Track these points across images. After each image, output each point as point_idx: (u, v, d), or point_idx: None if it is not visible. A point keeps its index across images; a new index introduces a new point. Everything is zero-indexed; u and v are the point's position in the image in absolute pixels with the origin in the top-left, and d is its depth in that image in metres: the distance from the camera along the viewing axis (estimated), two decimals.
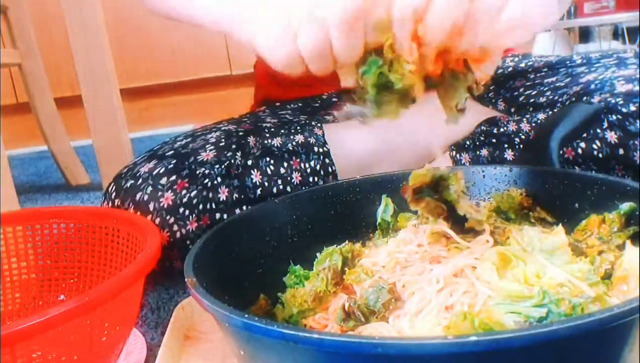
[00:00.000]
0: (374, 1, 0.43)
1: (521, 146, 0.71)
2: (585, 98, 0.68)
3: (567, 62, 0.82)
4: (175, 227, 0.66)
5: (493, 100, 0.83)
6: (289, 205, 0.56)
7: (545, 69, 0.82)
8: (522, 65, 0.87)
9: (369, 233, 0.58)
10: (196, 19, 0.63)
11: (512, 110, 0.78)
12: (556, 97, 0.72)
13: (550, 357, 0.30)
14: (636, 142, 0.63)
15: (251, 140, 0.73)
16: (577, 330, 0.28)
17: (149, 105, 2.45)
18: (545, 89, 0.76)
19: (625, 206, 0.46)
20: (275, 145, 0.73)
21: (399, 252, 0.48)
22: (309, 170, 0.72)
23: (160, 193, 0.67)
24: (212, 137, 0.73)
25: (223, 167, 0.69)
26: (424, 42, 0.43)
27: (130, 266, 0.46)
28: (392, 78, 0.44)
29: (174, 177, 0.68)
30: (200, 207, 0.67)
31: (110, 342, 0.47)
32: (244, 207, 0.68)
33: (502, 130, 0.74)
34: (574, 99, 0.70)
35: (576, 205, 0.51)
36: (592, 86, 0.69)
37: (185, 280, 0.39)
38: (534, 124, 0.71)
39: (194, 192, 0.67)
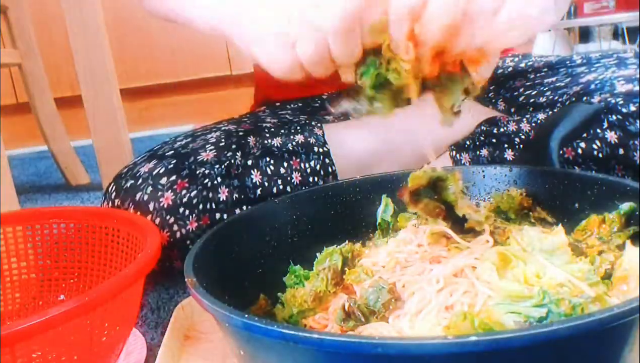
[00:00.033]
0: (370, 3, 0.43)
1: (521, 146, 0.71)
2: (585, 98, 0.68)
3: (567, 62, 0.82)
4: (175, 227, 0.66)
5: (493, 100, 0.83)
6: (289, 205, 0.56)
7: (545, 69, 0.82)
8: (522, 65, 0.87)
9: (369, 233, 0.58)
10: (195, 23, 0.63)
11: (512, 110, 0.78)
12: (556, 97, 0.72)
13: (550, 357, 0.30)
14: (636, 142, 0.63)
15: (251, 140, 0.73)
16: (577, 330, 0.28)
17: (149, 105, 2.45)
18: (545, 89, 0.76)
19: (625, 206, 0.46)
20: (275, 145, 0.73)
21: (399, 252, 0.48)
22: (309, 170, 0.72)
23: (160, 193, 0.67)
24: (212, 137, 0.73)
25: (223, 167, 0.69)
26: (420, 42, 0.43)
27: (130, 266, 0.46)
28: (390, 77, 0.45)
29: (174, 177, 0.68)
30: (200, 207, 0.67)
31: (110, 342, 0.47)
32: (244, 207, 0.68)
33: (502, 130, 0.74)
34: (574, 99, 0.70)
35: (576, 205, 0.51)
36: (592, 86, 0.69)
37: (185, 280, 0.39)
38: (534, 124, 0.71)
39: (194, 192, 0.67)
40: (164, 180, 0.67)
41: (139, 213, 0.67)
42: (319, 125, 0.79)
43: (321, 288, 0.47)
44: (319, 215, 0.57)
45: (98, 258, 0.60)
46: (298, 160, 0.72)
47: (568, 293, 0.39)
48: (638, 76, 0.67)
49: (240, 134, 0.74)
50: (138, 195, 0.67)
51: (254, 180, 0.69)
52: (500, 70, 0.88)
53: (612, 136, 0.64)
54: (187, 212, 0.67)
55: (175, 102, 2.46)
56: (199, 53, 2.28)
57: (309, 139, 0.75)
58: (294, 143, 0.74)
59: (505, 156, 0.72)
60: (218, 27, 0.56)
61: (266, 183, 0.70)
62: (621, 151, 0.64)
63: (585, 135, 0.65)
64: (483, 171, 0.58)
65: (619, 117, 0.64)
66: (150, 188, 0.67)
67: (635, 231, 0.46)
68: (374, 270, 0.48)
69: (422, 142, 0.73)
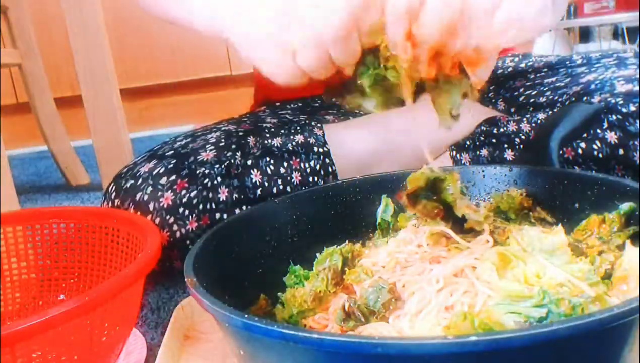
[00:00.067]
0: (367, 6, 0.43)
1: (521, 146, 0.71)
2: (585, 98, 0.68)
3: (567, 62, 0.82)
4: (175, 227, 0.66)
5: (493, 100, 0.83)
6: (289, 205, 0.56)
7: (545, 69, 0.82)
8: (522, 65, 0.87)
9: (369, 233, 0.58)
10: (194, 24, 0.63)
11: (512, 110, 0.78)
12: (556, 97, 0.72)
13: (550, 357, 0.30)
14: (636, 142, 0.63)
15: (251, 140, 0.73)
16: (577, 330, 0.28)
17: (149, 105, 2.45)
18: (545, 89, 0.76)
19: (625, 206, 0.46)
20: (275, 145, 0.73)
21: (399, 252, 0.48)
22: (309, 170, 0.72)
23: (160, 193, 0.67)
24: (212, 137, 0.73)
25: (223, 167, 0.69)
26: (418, 42, 0.43)
27: (130, 266, 0.46)
28: (389, 76, 0.45)
29: (173, 177, 0.68)
30: (200, 207, 0.67)
31: (110, 342, 0.47)
32: (244, 207, 0.68)
33: (502, 130, 0.74)
34: (574, 99, 0.70)
35: (576, 205, 0.51)
36: (592, 86, 0.69)
37: (185, 280, 0.39)
38: (534, 124, 0.71)
39: (194, 192, 0.67)
40: (164, 180, 0.67)
41: (139, 213, 0.67)
42: (319, 125, 0.79)
43: (321, 288, 0.47)
44: (319, 215, 0.57)
45: (98, 258, 0.60)
46: (298, 160, 0.72)
47: (568, 293, 0.39)
48: (638, 76, 0.67)
49: (240, 134, 0.74)
50: (138, 195, 0.67)
51: (254, 180, 0.69)
52: (500, 70, 0.88)
53: (612, 136, 0.64)
54: (187, 212, 0.67)
55: (175, 102, 2.46)
56: (199, 53, 2.28)
57: (309, 139, 0.75)
58: (294, 143, 0.74)
59: (505, 156, 0.72)
60: (218, 31, 0.56)
61: (266, 184, 0.70)
62: (621, 151, 0.64)
63: (585, 135, 0.65)
64: (483, 171, 0.58)
65: (619, 117, 0.64)
66: (150, 189, 0.67)
67: (635, 231, 0.46)
68: (374, 270, 0.48)
69: (420, 142, 0.73)
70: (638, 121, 0.63)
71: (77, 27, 1.14)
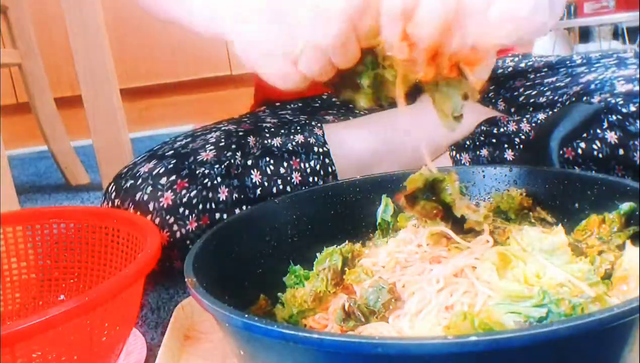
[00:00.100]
0: (363, 11, 0.44)
1: (521, 146, 0.71)
2: (585, 98, 0.68)
3: (567, 62, 0.82)
4: (175, 227, 0.66)
5: (493, 100, 0.83)
6: (289, 205, 0.56)
7: (545, 69, 0.82)
8: (522, 65, 0.87)
9: (369, 233, 0.58)
10: (193, 26, 0.63)
11: (512, 110, 0.78)
12: (556, 97, 0.72)
13: (550, 357, 0.30)
14: (636, 142, 0.63)
15: (251, 140, 0.73)
16: (577, 330, 0.28)
17: (149, 105, 2.45)
18: (545, 89, 0.76)
19: (625, 206, 0.46)
20: (275, 145, 0.73)
21: (399, 252, 0.48)
22: (309, 170, 0.72)
23: (160, 193, 0.67)
24: (212, 137, 0.73)
25: (223, 167, 0.69)
26: (414, 42, 0.43)
27: (130, 266, 0.46)
28: (388, 75, 0.46)
29: (173, 177, 0.68)
30: (200, 207, 0.67)
31: (110, 342, 0.47)
32: (244, 207, 0.68)
33: (502, 130, 0.74)
34: (574, 99, 0.70)
35: (576, 205, 0.51)
36: (592, 86, 0.69)
37: (185, 280, 0.39)
38: (534, 124, 0.71)
39: (194, 192, 0.67)
40: (163, 180, 0.67)
41: (139, 213, 0.66)
42: (319, 125, 0.79)
43: (321, 288, 0.47)
44: (319, 215, 0.57)
45: (98, 258, 0.60)
46: (298, 160, 0.72)
47: (568, 293, 0.39)
48: (638, 76, 0.67)
49: (240, 134, 0.74)
50: (138, 195, 0.67)
51: (253, 180, 0.69)
52: (500, 70, 0.88)
53: (612, 136, 0.64)
54: (187, 212, 0.67)
55: (175, 102, 2.46)
56: (199, 53, 2.28)
57: (309, 139, 0.75)
58: (294, 143, 0.74)
59: (505, 156, 0.72)
60: (218, 32, 0.56)
61: (266, 183, 0.70)
62: (621, 151, 0.64)
63: (585, 135, 0.65)
64: (483, 171, 0.58)
65: (619, 117, 0.64)
66: (150, 188, 0.67)
67: (635, 231, 0.45)
68: (374, 270, 0.48)
69: (418, 143, 0.74)
70: (638, 121, 0.63)
71: (77, 27, 1.14)
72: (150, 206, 0.66)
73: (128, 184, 0.69)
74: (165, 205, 0.66)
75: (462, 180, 0.56)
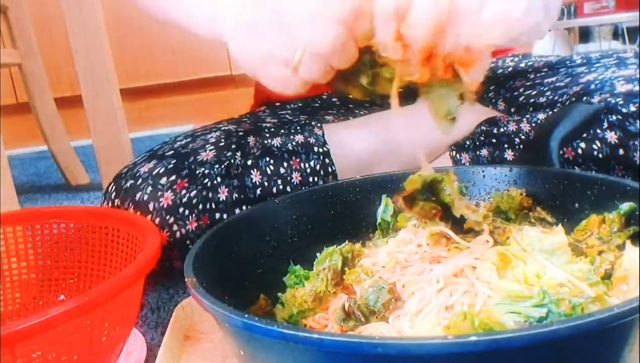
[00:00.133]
0: (358, 15, 0.44)
1: (521, 146, 0.71)
2: (585, 98, 0.68)
3: (567, 62, 0.82)
4: (175, 227, 0.66)
5: (493, 100, 0.83)
6: (289, 205, 0.56)
7: (545, 69, 0.82)
8: (522, 65, 0.87)
9: (369, 233, 0.58)
10: (193, 27, 0.63)
11: (512, 110, 0.78)
12: (556, 97, 0.72)
13: (550, 357, 0.30)
14: (636, 142, 0.63)
15: (251, 140, 0.73)
16: (577, 330, 0.28)
17: (149, 105, 2.45)
18: (545, 89, 0.76)
19: (625, 206, 0.46)
20: (275, 145, 0.73)
21: (399, 252, 0.48)
22: (309, 170, 0.72)
23: (160, 193, 0.67)
24: (212, 137, 0.73)
25: (223, 167, 0.69)
26: (408, 42, 0.43)
27: (130, 266, 0.46)
28: (385, 73, 0.47)
29: (173, 177, 0.68)
30: (200, 207, 0.67)
31: (110, 342, 0.47)
32: (244, 207, 0.68)
33: (502, 130, 0.74)
34: (574, 99, 0.70)
35: (576, 205, 0.51)
36: (592, 86, 0.69)
37: (185, 280, 0.39)
38: (534, 124, 0.71)
39: (194, 192, 0.67)
40: (163, 180, 0.67)
41: (139, 213, 0.66)
42: (319, 125, 0.79)
43: (321, 288, 0.47)
44: (319, 215, 0.57)
45: (98, 258, 0.60)
46: (298, 160, 0.72)
47: (568, 293, 0.39)
48: (638, 76, 0.67)
49: (240, 134, 0.74)
50: (138, 195, 0.67)
51: (253, 180, 0.69)
52: (500, 70, 0.88)
53: (612, 136, 0.64)
54: (187, 212, 0.67)
55: (175, 102, 2.46)
56: (199, 53, 2.28)
57: (309, 139, 0.75)
58: (294, 143, 0.74)
59: (505, 156, 0.72)
60: (217, 35, 0.56)
61: (266, 184, 0.70)
62: (621, 151, 0.64)
63: (585, 135, 0.65)
64: (483, 171, 0.58)
65: (619, 117, 0.64)
66: (150, 188, 0.67)
67: (635, 231, 0.46)
68: (374, 270, 0.48)
69: (418, 143, 0.74)
70: (638, 121, 0.63)
71: (77, 27, 1.14)
72: (150, 206, 0.66)
73: (128, 184, 0.69)
74: (165, 205, 0.66)
75: (462, 180, 0.56)
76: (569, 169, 0.66)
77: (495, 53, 0.93)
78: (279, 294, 0.50)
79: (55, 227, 0.62)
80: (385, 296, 0.42)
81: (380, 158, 0.76)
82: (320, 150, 0.74)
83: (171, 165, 0.69)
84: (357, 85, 0.49)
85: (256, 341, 0.34)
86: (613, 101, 0.65)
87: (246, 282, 0.50)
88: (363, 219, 0.58)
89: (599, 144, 0.65)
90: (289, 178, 0.71)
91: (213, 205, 0.67)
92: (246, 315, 0.33)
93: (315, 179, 0.73)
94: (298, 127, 0.77)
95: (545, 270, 0.40)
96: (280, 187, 0.70)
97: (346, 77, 0.49)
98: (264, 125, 0.78)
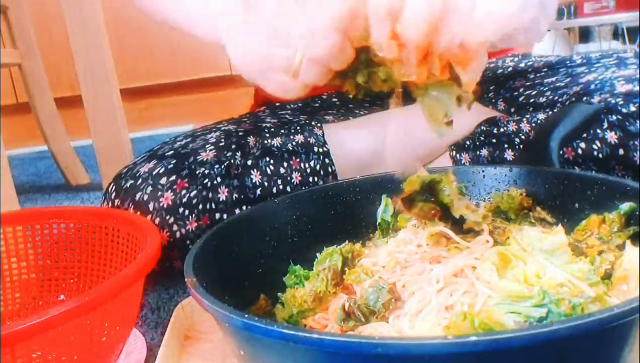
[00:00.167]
0: (353, 18, 0.45)
1: (521, 146, 0.71)
2: (585, 98, 0.68)
3: (567, 62, 0.82)
4: (175, 227, 0.66)
5: (493, 100, 0.83)
6: (289, 205, 0.56)
7: (545, 69, 0.82)
8: (522, 65, 0.87)
9: (369, 233, 0.58)
10: (192, 29, 0.64)
11: (512, 110, 0.78)
12: (556, 97, 0.72)
13: (550, 357, 0.30)
14: (636, 143, 0.63)
15: (251, 140, 0.73)
16: (577, 330, 0.28)
17: (149, 105, 2.45)
18: (545, 89, 0.76)
19: (625, 206, 0.46)
20: (275, 145, 0.73)
21: (399, 252, 0.48)
22: (309, 170, 0.72)
23: (160, 193, 0.67)
24: (212, 137, 0.73)
25: (223, 167, 0.69)
26: (403, 41, 0.43)
27: (130, 266, 0.46)
28: (381, 73, 0.47)
29: (173, 177, 0.68)
30: (200, 207, 0.67)
31: (110, 342, 0.47)
32: (244, 207, 0.68)
33: (502, 130, 0.74)
34: (574, 99, 0.70)
35: (576, 205, 0.51)
36: (592, 86, 0.69)
37: (185, 280, 0.39)
38: (534, 124, 0.71)
39: (194, 192, 0.67)
40: (163, 180, 0.67)
41: (139, 213, 0.66)
42: (319, 125, 0.79)
43: (321, 288, 0.47)
44: (319, 215, 0.57)
45: (98, 258, 0.60)
46: (298, 160, 0.72)
47: (568, 293, 0.39)
48: (638, 76, 0.67)
49: (240, 134, 0.74)
50: (138, 195, 0.67)
51: (253, 180, 0.69)
52: (500, 70, 0.88)
53: (612, 136, 0.64)
54: (187, 212, 0.67)
55: (175, 102, 2.46)
56: (199, 53, 2.28)
57: (309, 139, 0.75)
58: (293, 143, 0.74)
59: (505, 156, 0.72)
60: (217, 37, 0.57)
61: (266, 184, 0.70)
62: (621, 151, 0.64)
63: (585, 135, 0.65)
64: (483, 171, 0.58)
65: (619, 117, 0.64)
66: (150, 188, 0.67)
67: (635, 231, 0.46)
68: (374, 270, 0.48)
69: (426, 139, 0.74)
70: (638, 121, 0.63)
71: (77, 27, 1.14)
72: (150, 206, 0.66)
73: (128, 184, 0.69)
74: (165, 205, 0.66)
75: (462, 180, 0.56)
76: (569, 169, 0.66)
77: (496, 53, 0.93)
78: (279, 294, 0.50)
79: (55, 227, 0.62)
80: (385, 296, 0.42)
81: (380, 158, 0.76)
82: (320, 150, 0.74)
83: (171, 165, 0.69)
84: (353, 82, 0.50)
85: (256, 341, 0.34)
86: (613, 101, 0.65)
87: (246, 282, 0.50)
88: (363, 219, 0.58)
89: (599, 144, 0.65)
90: (289, 178, 0.71)
91: (213, 205, 0.67)
92: (246, 315, 0.33)
93: (315, 179, 0.73)
94: (298, 127, 0.77)
95: (545, 270, 0.40)
96: (280, 187, 0.70)
97: (343, 75, 0.49)
98: (264, 125, 0.78)
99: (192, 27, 0.63)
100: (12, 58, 1.38)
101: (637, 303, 0.29)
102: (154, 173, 0.68)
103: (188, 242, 0.67)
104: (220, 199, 0.67)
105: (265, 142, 0.73)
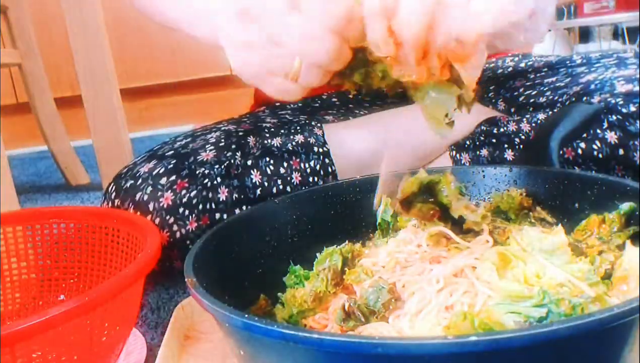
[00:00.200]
0: (349, 20, 0.45)
1: (521, 146, 0.71)
2: (585, 98, 0.68)
3: (567, 62, 0.82)
4: (175, 227, 0.66)
5: (493, 100, 0.83)
6: (289, 205, 0.56)
7: (545, 69, 0.82)
8: (522, 65, 0.87)
9: (369, 233, 0.58)
10: (192, 30, 0.64)
11: (512, 110, 0.78)
12: (556, 97, 0.72)
13: (550, 357, 0.30)
14: (636, 142, 0.63)
15: (251, 140, 0.73)
16: (577, 330, 0.28)
17: (149, 105, 2.45)
18: (545, 89, 0.76)
19: (625, 206, 0.46)
20: (275, 145, 0.73)
21: (399, 252, 0.48)
22: (309, 170, 0.72)
23: (160, 193, 0.67)
24: (212, 137, 0.73)
25: (223, 167, 0.69)
26: (400, 39, 0.43)
27: (130, 266, 0.46)
28: (377, 71, 0.48)
29: (173, 177, 0.68)
30: (200, 207, 0.67)
31: (110, 342, 0.47)
32: (244, 207, 0.68)
33: (502, 130, 0.74)
34: (574, 99, 0.70)
35: (576, 205, 0.51)
36: (592, 86, 0.69)
37: (185, 280, 0.39)
38: (534, 124, 0.71)
39: (194, 192, 0.67)
40: (163, 180, 0.67)
41: (138, 213, 0.66)
42: (319, 125, 0.79)
43: (321, 288, 0.47)
44: (319, 215, 0.57)
45: (98, 258, 0.60)
46: (298, 160, 0.72)
47: (568, 293, 0.39)
48: (638, 76, 0.67)
49: (240, 134, 0.74)
50: (138, 195, 0.67)
51: (253, 180, 0.69)
52: (500, 70, 0.88)
53: (612, 136, 0.64)
54: (187, 212, 0.67)
55: (175, 102, 2.46)
56: (199, 53, 2.28)
57: (309, 139, 0.75)
58: (293, 143, 0.74)
59: (505, 156, 0.72)
60: (216, 44, 0.57)
61: (266, 184, 0.70)
62: (621, 151, 0.64)
63: (585, 135, 0.65)
64: (483, 171, 0.58)
65: (619, 117, 0.64)
66: (150, 189, 0.67)
67: (635, 231, 0.46)
68: (374, 270, 0.48)
69: (427, 139, 0.74)
70: (638, 121, 0.63)
71: (77, 27, 1.14)
72: (150, 206, 0.66)
73: (128, 184, 0.69)
74: (165, 205, 0.66)
75: (462, 180, 0.56)
76: (569, 169, 0.66)
77: (496, 55, 0.93)
78: (279, 294, 0.50)
79: (55, 227, 0.62)
80: (385, 296, 0.42)
81: (380, 158, 0.76)
82: (320, 150, 0.74)
83: (171, 165, 0.69)
84: (350, 80, 0.50)
85: (256, 341, 0.34)
86: (613, 101, 0.65)
87: (246, 282, 0.50)
88: (363, 219, 0.58)
89: (599, 144, 0.65)
90: (289, 178, 0.71)
91: (213, 205, 0.67)
92: (246, 315, 0.33)
93: (315, 179, 0.73)
94: (298, 127, 0.77)
95: (545, 270, 0.40)
96: (280, 187, 0.70)
97: (341, 74, 0.50)
98: (264, 125, 0.78)
99: (192, 28, 0.63)
100: (12, 58, 1.38)
101: (637, 303, 0.29)
102: (154, 173, 0.68)
103: (188, 242, 0.67)
104: (220, 199, 0.67)
105: (265, 142, 0.73)
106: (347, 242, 0.54)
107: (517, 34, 0.67)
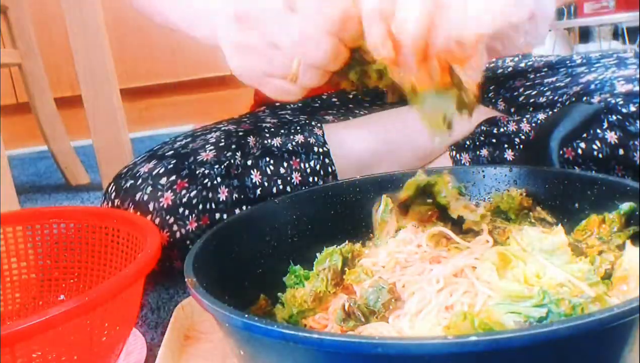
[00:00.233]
0: (346, 21, 0.46)
1: (521, 146, 0.71)
2: (585, 98, 0.68)
3: (567, 62, 0.82)
4: (175, 227, 0.66)
5: (493, 100, 0.83)
6: (289, 205, 0.56)
7: (545, 69, 0.82)
8: (522, 65, 0.87)
9: (369, 233, 0.58)
10: (191, 30, 0.64)
11: (512, 110, 0.78)
12: (556, 97, 0.72)
13: (550, 357, 0.30)
14: (636, 143, 0.63)
15: (251, 140, 0.73)
16: (577, 330, 0.28)
17: (149, 105, 2.45)
18: (545, 89, 0.76)
19: (625, 206, 0.46)
20: (275, 145, 0.73)
21: (399, 252, 0.48)
22: (309, 170, 0.72)
23: (160, 193, 0.67)
24: (212, 137, 0.73)
25: (223, 167, 0.69)
26: (399, 41, 0.43)
27: (130, 266, 0.46)
28: (373, 70, 0.48)
29: (173, 177, 0.68)
30: (200, 207, 0.67)
31: (110, 342, 0.47)
32: (244, 207, 0.68)
33: (502, 130, 0.73)
34: (574, 99, 0.70)
35: (576, 205, 0.51)
36: (592, 86, 0.69)
37: (185, 280, 0.39)
38: (534, 124, 0.71)
39: (194, 192, 0.67)
40: (163, 180, 0.67)
41: (138, 213, 0.66)
42: (319, 125, 0.79)
43: (321, 288, 0.47)
44: (319, 215, 0.57)
45: (98, 258, 0.60)
46: (298, 160, 0.72)
47: (568, 293, 0.39)
48: (638, 76, 0.67)
49: (240, 134, 0.74)
50: (138, 195, 0.67)
51: (253, 180, 0.69)
52: (500, 70, 0.88)
53: (612, 136, 0.64)
54: (186, 212, 0.67)
55: (175, 102, 2.46)
56: (199, 53, 2.28)
57: (309, 139, 0.75)
58: (293, 143, 0.74)
59: (505, 156, 0.72)
60: (216, 45, 0.57)
61: (266, 184, 0.70)
62: (621, 151, 0.64)
63: (585, 135, 0.65)
64: (483, 171, 0.58)
65: (619, 117, 0.64)
66: (150, 189, 0.67)
67: (635, 231, 0.45)
68: (374, 270, 0.48)
69: (427, 139, 0.74)
70: (638, 121, 0.63)
71: (77, 27, 1.14)
72: (150, 206, 0.66)
73: (128, 184, 0.69)
74: (165, 205, 0.66)
75: (462, 180, 0.56)
76: (569, 169, 0.66)
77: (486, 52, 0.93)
78: (279, 294, 0.50)
79: (55, 227, 0.62)
80: (385, 296, 0.42)
81: (380, 158, 0.76)
82: (320, 150, 0.74)
83: (171, 165, 0.69)
84: (347, 79, 0.51)
85: (256, 341, 0.34)
86: (613, 101, 0.65)
87: (246, 282, 0.50)
88: (363, 219, 0.58)
89: (599, 144, 0.65)
90: (289, 178, 0.71)
91: (213, 205, 0.67)
92: (246, 315, 0.33)
93: (315, 179, 0.73)
94: (298, 127, 0.77)
95: (545, 270, 0.40)
96: (280, 187, 0.70)
97: (339, 73, 0.51)
98: (264, 125, 0.78)
99: (191, 29, 0.64)
100: (12, 58, 1.38)
101: (637, 303, 0.29)
102: (154, 173, 0.68)
103: (188, 242, 0.67)
104: (220, 199, 0.67)
105: (265, 142, 0.73)
106: (347, 242, 0.54)
107: (517, 36, 0.67)
